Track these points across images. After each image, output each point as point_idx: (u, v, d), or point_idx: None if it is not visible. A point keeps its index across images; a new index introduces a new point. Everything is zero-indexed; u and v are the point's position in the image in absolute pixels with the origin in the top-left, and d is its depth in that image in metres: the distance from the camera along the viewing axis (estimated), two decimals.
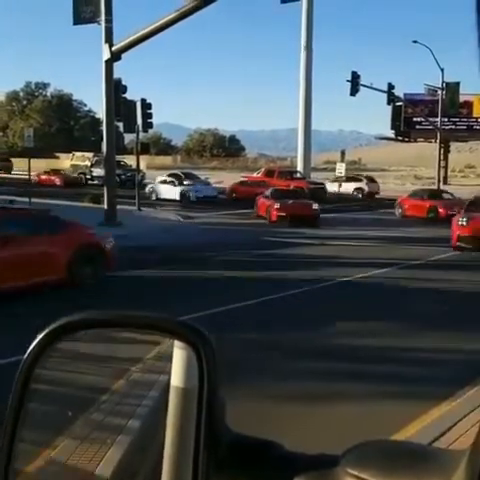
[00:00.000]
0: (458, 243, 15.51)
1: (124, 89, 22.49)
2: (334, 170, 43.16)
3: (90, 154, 44.85)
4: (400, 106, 51.76)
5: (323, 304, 9.78)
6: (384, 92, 43.93)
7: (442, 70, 44.38)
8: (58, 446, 1.13)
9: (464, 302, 9.99)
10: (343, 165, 38.84)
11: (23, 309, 8.80)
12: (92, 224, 18.84)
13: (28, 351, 0.94)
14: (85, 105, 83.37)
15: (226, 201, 31.58)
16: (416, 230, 21.16)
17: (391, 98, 45.17)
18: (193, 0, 17.77)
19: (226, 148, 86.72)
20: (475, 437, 0.68)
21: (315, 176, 45.78)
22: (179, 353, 0.93)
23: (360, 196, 38.02)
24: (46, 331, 0.94)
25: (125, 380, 1.17)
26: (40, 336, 0.94)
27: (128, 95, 23.02)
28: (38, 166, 39.92)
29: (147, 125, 25.37)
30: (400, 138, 59.12)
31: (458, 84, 45.73)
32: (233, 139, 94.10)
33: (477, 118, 53.76)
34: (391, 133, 58.61)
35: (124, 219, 20.18)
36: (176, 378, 0.93)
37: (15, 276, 9.66)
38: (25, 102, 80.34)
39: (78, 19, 21.10)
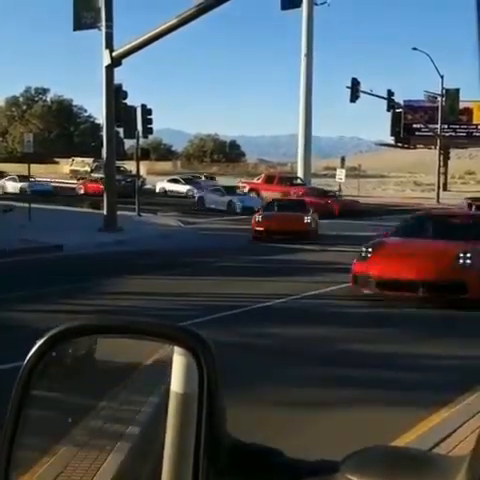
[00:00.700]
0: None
1: (125, 95, 22.54)
2: (334, 176, 43.22)
3: (90, 160, 44.99)
4: (400, 113, 51.91)
5: (319, 311, 9.75)
6: (384, 99, 44.07)
7: (442, 77, 44.55)
8: (57, 453, 1.12)
9: (463, 308, 9.97)
10: (343, 171, 38.93)
11: None
12: (92, 230, 18.95)
13: (27, 357, 0.93)
14: (85, 111, 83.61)
15: None
16: None
17: (391, 105, 45.31)
18: (199, 4, 17.88)
19: (226, 153, 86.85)
20: (475, 443, 0.68)
21: (315, 182, 45.84)
22: (179, 359, 0.92)
23: None
24: (45, 337, 0.94)
25: (124, 386, 1.16)
26: (39, 342, 0.94)
27: (128, 100, 23.09)
28: (37, 171, 39.98)
29: (147, 131, 25.43)
30: (400, 144, 59.23)
31: (458, 91, 45.85)
32: (233, 144, 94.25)
33: (477, 125, 53.86)
34: (391, 140, 58.73)
35: (124, 225, 20.20)
36: (176, 384, 0.93)
37: None
38: (25, 107, 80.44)
39: (79, 25, 21.11)
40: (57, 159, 64.17)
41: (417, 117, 51.31)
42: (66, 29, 21.33)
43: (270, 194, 34.33)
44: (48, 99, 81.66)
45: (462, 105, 47.97)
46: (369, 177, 60.88)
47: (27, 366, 0.93)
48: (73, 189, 41.32)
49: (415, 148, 59.73)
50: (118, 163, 27.13)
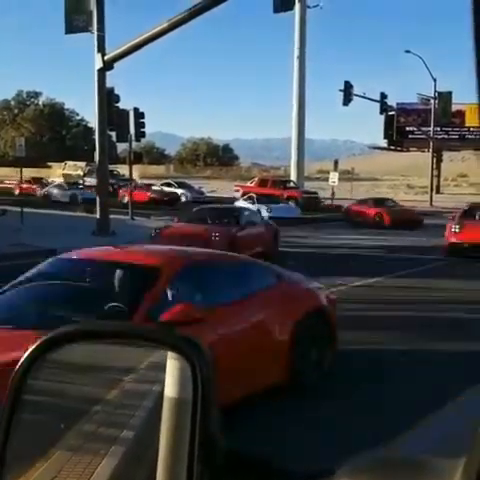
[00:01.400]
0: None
1: (117, 98, 22.50)
2: (327, 179, 43.31)
3: (82, 163, 44.86)
4: (393, 115, 52.12)
5: None
6: (377, 102, 44.25)
7: (434, 80, 44.78)
8: (51, 457, 1.12)
9: (458, 311, 10.01)
10: (336, 174, 38.98)
11: None
12: (85, 233, 18.90)
13: (21, 361, 0.93)
14: (77, 114, 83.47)
15: None
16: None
17: (384, 108, 45.49)
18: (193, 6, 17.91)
19: (219, 157, 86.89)
20: (470, 445, 0.68)
21: (308, 185, 45.93)
22: (173, 364, 0.92)
23: None
24: (38, 342, 0.94)
25: (118, 390, 1.16)
26: (32, 347, 0.93)
27: (120, 104, 23.05)
28: (29, 176, 39.83)
29: (140, 134, 25.39)
30: (393, 147, 59.40)
31: (450, 94, 46.09)
32: (226, 148, 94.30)
33: (469, 127, 54.09)
34: (384, 142, 58.91)
35: (117, 229, 20.14)
36: (170, 389, 0.92)
37: None
38: (16, 111, 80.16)
39: (70, 28, 21.00)
40: (50, 163, 64.03)
41: (410, 120, 51.50)
42: (58, 32, 21.25)
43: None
44: (40, 103, 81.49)
45: (455, 108, 48.17)
46: (362, 180, 61.02)
47: (20, 370, 0.93)
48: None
49: (408, 151, 59.91)
50: (111, 167, 27.09)
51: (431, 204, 41.05)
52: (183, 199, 37.93)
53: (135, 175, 33.40)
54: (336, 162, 41.91)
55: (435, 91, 45.66)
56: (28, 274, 5.82)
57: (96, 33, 20.10)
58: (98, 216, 20.39)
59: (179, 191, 40.37)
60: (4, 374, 1.01)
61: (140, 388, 1.14)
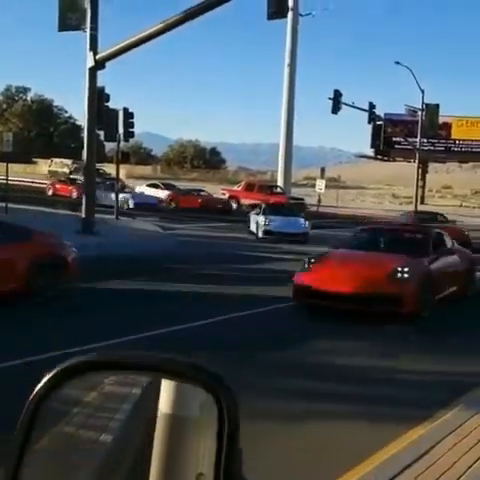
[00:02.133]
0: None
1: (107, 97, 22.41)
2: (314, 186, 43.46)
3: (69, 161, 44.60)
4: (380, 125, 52.48)
5: (296, 322, 9.72)
6: (365, 111, 44.49)
7: (422, 91, 45.10)
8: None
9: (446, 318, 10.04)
10: (323, 182, 39.16)
11: None
12: (69, 232, 18.71)
13: (34, 392, 0.92)
14: (66, 111, 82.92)
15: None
16: None
17: (372, 117, 45.74)
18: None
19: (206, 160, 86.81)
20: None
21: (295, 191, 46.05)
22: (168, 383, 0.89)
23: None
24: (55, 371, 0.92)
25: (97, 392, 1.13)
26: (47, 377, 0.92)
27: (110, 103, 22.95)
28: (15, 171, 39.39)
29: (128, 134, 25.28)
30: (379, 157, 59.86)
31: (438, 106, 46.43)
32: (214, 151, 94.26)
33: (455, 140, 54.67)
34: (371, 152, 59.32)
35: (101, 228, 20.00)
36: (167, 406, 0.91)
37: None
38: (5, 106, 79.56)
39: (63, 26, 20.91)
40: (35, 159, 63.55)
41: (397, 130, 51.91)
42: (51, 29, 21.12)
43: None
44: (29, 98, 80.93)
45: (441, 120, 48.64)
46: (348, 188, 61.32)
47: (35, 398, 0.91)
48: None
49: (394, 161, 60.39)
50: (97, 166, 26.90)
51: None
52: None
53: (122, 175, 33.19)
54: (323, 169, 42.10)
55: (423, 103, 46.01)
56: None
57: (89, 32, 20.00)
58: (83, 215, 20.22)
59: (165, 193, 40.16)
60: None
61: (120, 390, 1.13)
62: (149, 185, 41.60)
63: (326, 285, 9.91)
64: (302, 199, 39.20)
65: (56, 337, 7.44)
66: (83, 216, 20.24)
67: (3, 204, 20.73)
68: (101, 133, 24.96)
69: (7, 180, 21.26)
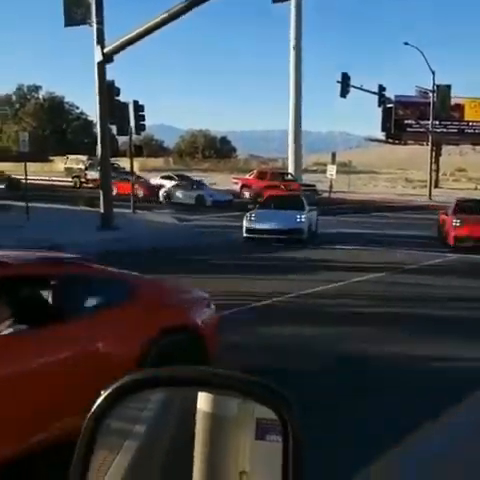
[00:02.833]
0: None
1: (117, 91, 22.54)
2: (324, 172, 43.31)
3: (84, 157, 44.83)
4: (391, 108, 51.99)
5: (317, 310, 9.89)
6: (375, 94, 44.16)
7: (433, 73, 44.77)
8: None
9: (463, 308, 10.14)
10: (334, 167, 39.01)
11: None
12: (90, 228, 19.04)
13: (95, 406, 0.93)
14: (77, 107, 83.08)
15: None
16: None
17: (382, 100, 45.38)
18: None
19: (217, 149, 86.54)
20: None
21: (306, 177, 45.92)
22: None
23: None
24: (116, 385, 0.93)
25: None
26: (108, 391, 0.92)
27: (120, 97, 23.07)
28: (33, 170, 39.70)
29: (140, 127, 25.47)
30: (391, 140, 59.25)
31: (449, 87, 46.03)
32: (224, 140, 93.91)
33: (468, 122, 54.11)
34: (382, 135, 58.78)
35: (120, 222, 20.29)
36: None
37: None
38: (18, 105, 79.93)
39: (69, 21, 20.91)
40: (51, 157, 63.91)
41: (408, 113, 51.43)
42: (57, 25, 21.20)
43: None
44: (40, 96, 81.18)
45: (454, 101, 48.18)
46: (359, 173, 61.00)
47: (93, 415, 0.92)
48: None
49: (406, 144, 59.81)
50: (112, 160, 27.15)
51: (430, 198, 41.17)
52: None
53: (135, 168, 33.41)
54: (334, 155, 41.83)
55: (434, 84, 45.63)
56: None
57: (95, 25, 20.06)
58: (102, 210, 20.48)
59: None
60: None
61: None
62: (163, 177, 41.82)
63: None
64: (314, 185, 39.20)
65: None
66: (102, 211, 20.50)
67: (23, 204, 21.07)
68: (113, 127, 25.14)
69: (26, 180, 21.57)
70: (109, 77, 21.06)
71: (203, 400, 0.93)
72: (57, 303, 4.70)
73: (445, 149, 60.35)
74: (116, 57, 20.43)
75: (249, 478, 0.91)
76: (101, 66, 20.33)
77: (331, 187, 38.33)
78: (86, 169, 43.99)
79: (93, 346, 4.41)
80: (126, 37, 19.65)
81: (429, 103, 46.61)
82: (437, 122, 48.76)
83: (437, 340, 7.89)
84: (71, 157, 46.98)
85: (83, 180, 43.18)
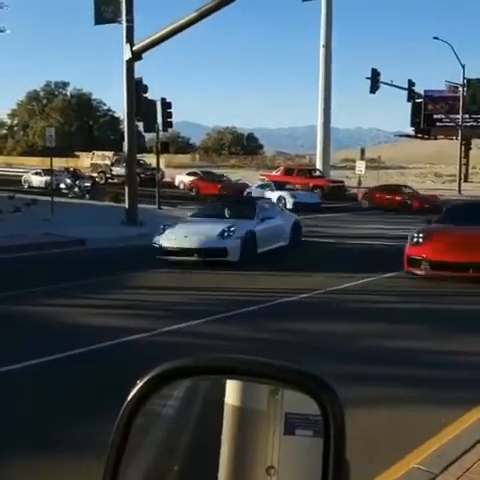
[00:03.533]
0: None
1: (145, 89, 22.54)
2: (353, 168, 42.94)
3: (110, 153, 45.18)
4: (420, 103, 51.39)
5: (342, 306, 9.72)
6: (404, 89, 43.62)
7: (463, 66, 44.06)
8: None
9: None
10: (363, 163, 38.63)
11: None
12: (114, 223, 19.06)
13: (127, 400, 0.92)
14: (104, 104, 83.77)
15: None
16: None
17: (411, 95, 44.84)
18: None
19: (244, 146, 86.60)
20: None
21: (334, 174, 45.62)
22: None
23: None
24: (152, 373, 0.92)
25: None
26: (140, 384, 0.92)
27: (148, 94, 23.07)
28: (59, 165, 40.07)
29: (167, 124, 25.44)
30: (420, 135, 58.63)
31: None
32: (251, 137, 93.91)
33: None
34: (411, 130, 58.15)
35: (145, 218, 20.27)
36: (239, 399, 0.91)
37: None
38: (45, 101, 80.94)
39: (99, 19, 21.19)
40: (77, 153, 64.52)
41: (438, 107, 50.78)
42: (87, 23, 21.39)
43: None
44: (68, 93, 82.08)
45: None
46: (388, 168, 60.37)
47: (125, 412, 0.92)
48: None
49: (435, 139, 59.08)
50: (138, 156, 27.19)
51: (460, 192, 40.51)
52: None
53: (161, 164, 33.46)
54: (363, 150, 41.57)
55: (464, 78, 44.95)
56: None
57: (125, 24, 20.15)
58: (127, 206, 20.51)
59: None
60: None
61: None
62: (189, 173, 41.89)
63: (444, 256, 11.08)
64: (342, 182, 38.84)
65: None
66: (126, 207, 20.54)
67: (48, 198, 21.22)
68: (140, 124, 25.15)
69: (52, 175, 21.70)
70: (137, 73, 21.10)
71: (231, 392, 0.92)
72: None
73: (475, 143, 59.41)
74: (144, 55, 20.44)
75: (277, 474, 0.89)
76: (130, 64, 20.36)
77: (360, 183, 37.89)
78: (112, 165, 44.35)
79: None
80: (156, 36, 19.61)
81: (459, 97, 45.92)
82: (467, 116, 48.03)
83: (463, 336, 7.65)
84: (97, 153, 47.32)
85: (108, 175, 43.64)
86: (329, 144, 47.36)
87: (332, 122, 48.34)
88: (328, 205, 28.93)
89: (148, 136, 44.56)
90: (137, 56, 20.21)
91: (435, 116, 53.37)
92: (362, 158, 39.53)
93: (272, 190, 29.82)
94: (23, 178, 38.67)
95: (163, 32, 19.43)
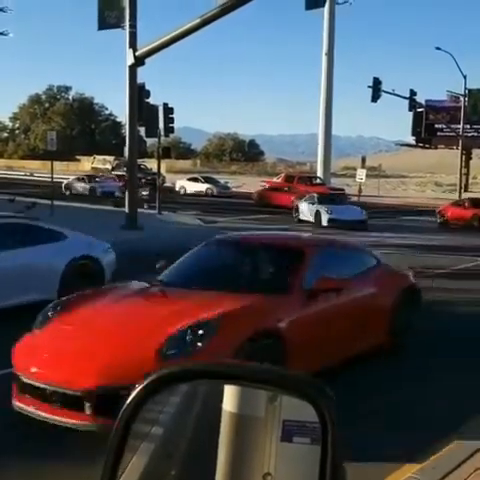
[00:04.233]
0: None
1: (147, 94, 22.59)
2: (353, 176, 43.01)
3: (111, 157, 45.35)
4: (421, 112, 51.57)
5: None
6: (406, 98, 43.72)
7: (465, 77, 44.19)
8: None
9: None
10: (364, 171, 38.66)
11: None
12: (114, 227, 19.05)
13: (128, 400, 0.92)
14: (106, 109, 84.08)
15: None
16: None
17: (413, 104, 44.95)
18: (223, 4, 17.86)
19: (245, 152, 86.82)
20: None
21: (334, 182, 45.68)
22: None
23: None
24: (151, 378, 0.92)
25: None
26: (137, 388, 0.92)
27: (150, 99, 23.12)
28: (59, 169, 40.09)
29: (169, 130, 25.50)
30: (421, 145, 58.81)
31: None
32: (252, 143, 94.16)
33: None
34: (412, 139, 58.32)
35: (145, 223, 20.29)
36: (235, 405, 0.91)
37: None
38: (47, 105, 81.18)
39: (103, 24, 21.19)
40: (78, 156, 64.69)
41: (439, 117, 50.94)
42: (90, 28, 21.45)
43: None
44: (70, 97, 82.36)
45: None
46: (389, 177, 60.49)
47: (124, 416, 0.92)
48: None
49: (436, 148, 59.26)
50: (139, 161, 27.26)
51: None
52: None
53: (162, 169, 33.53)
54: (363, 159, 41.63)
55: (465, 88, 45.09)
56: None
57: (128, 29, 20.20)
58: (127, 210, 20.54)
59: (205, 186, 40.49)
60: None
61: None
62: (190, 179, 41.97)
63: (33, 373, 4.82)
64: (342, 190, 38.88)
65: None
66: (126, 211, 20.57)
67: (48, 201, 21.22)
68: (142, 129, 25.20)
69: (52, 178, 21.73)
70: (139, 78, 21.14)
71: (230, 398, 0.92)
72: None
73: (475, 153, 59.59)
74: (147, 60, 20.52)
75: None
76: (132, 69, 20.42)
77: (360, 191, 37.94)
78: (113, 169, 44.53)
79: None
80: (159, 41, 19.68)
81: (460, 107, 46.08)
82: (468, 126, 48.20)
83: None
84: (98, 157, 47.55)
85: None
86: (330, 152, 47.48)
87: (333, 130, 48.51)
88: None
89: (149, 141, 44.63)
90: (140, 61, 20.27)
91: (436, 126, 53.56)
92: (363, 166, 39.59)
93: (313, 203, 25.58)
94: (64, 184, 36.40)
95: (166, 38, 19.49)
